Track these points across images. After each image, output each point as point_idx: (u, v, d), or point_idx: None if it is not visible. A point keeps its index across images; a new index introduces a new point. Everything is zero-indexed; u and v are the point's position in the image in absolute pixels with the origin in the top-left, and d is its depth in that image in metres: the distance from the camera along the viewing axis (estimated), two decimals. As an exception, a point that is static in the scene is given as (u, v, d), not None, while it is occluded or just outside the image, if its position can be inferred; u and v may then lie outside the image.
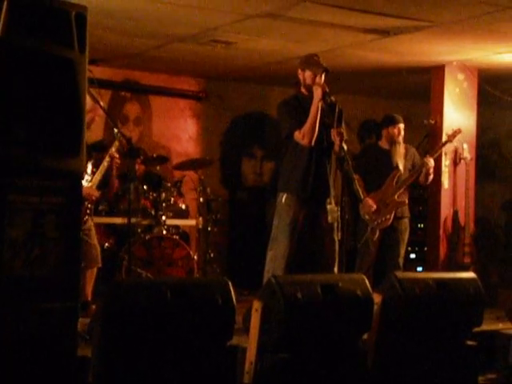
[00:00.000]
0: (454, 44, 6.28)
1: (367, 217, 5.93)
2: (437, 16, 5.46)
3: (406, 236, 6.12)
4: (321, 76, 4.83)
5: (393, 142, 6.08)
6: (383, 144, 6.16)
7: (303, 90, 4.99)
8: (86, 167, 5.14)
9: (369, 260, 5.98)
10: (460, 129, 6.46)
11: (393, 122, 6.09)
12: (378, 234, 5.98)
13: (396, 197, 6.00)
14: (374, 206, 5.90)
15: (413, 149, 6.28)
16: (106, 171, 5.19)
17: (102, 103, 5.12)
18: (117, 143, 5.12)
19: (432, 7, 5.26)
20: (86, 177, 5.13)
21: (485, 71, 7.01)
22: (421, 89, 7.50)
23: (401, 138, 6.09)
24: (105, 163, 5.16)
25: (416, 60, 6.84)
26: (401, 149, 6.10)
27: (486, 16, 5.37)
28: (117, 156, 5.17)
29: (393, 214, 5.98)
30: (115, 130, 5.13)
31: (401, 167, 6.08)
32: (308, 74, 4.90)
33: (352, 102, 8.17)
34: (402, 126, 6.08)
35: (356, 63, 7.03)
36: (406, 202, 6.09)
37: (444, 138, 6.60)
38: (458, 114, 7.00)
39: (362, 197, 5.82)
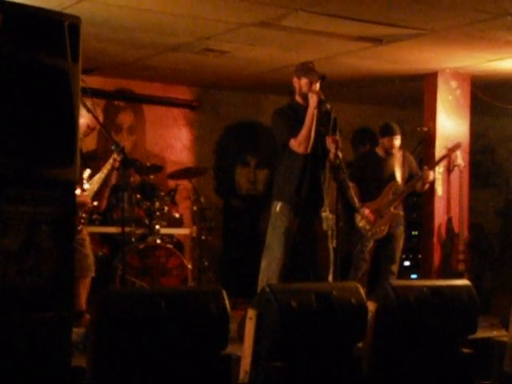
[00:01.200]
0: (447, 52, 6.30)
1: (361, 225, 5.93)
2: (429, 24, 5.49)
3: (401, 244, 6.12)
4: (316, 83, 4.83)
5: (389, 153, 6.09)
6: (380, 151, 6.16)
7: (298, 98, 4.99)
8: (83, 175, 5.11)
9: (363, 268, 5.98)
10: (460, 143, 6.51)
11: (390, 134, 6.06)
12: (372, 243, 5.99)
13: (392, 208, 6.00)
14: (372, 217, 5.89)
15: (410, 156, 6.29)
16: (103, 182, 5.15)
17: (96, 113, 5.10)
18: (115, 155, 5.05)
19: (425, 15, 5.28)
20: (86, 185, 5.10)
21: (478, 78, 7.04)
22: (414, 96, 7.53)
23: (395, 150, 6.10)
24: (102, 175, 5.13)
25: (409, 68, 6.87)
26: (396, 159, 6.11)
27: (478, 24, 5.40)
28: (116, 166, 5.10)
29: (388, 225, 5.98)
30: (115, 141, 5.07)
31: (398, 178, 6.08)
32: (304, 81, 4.89)
33: (345, 109, 8.18)
34: (398, 137, 6.08)
35: (349, 71, 7.05)
36: (402, 213, 6.10)
37: (442, 151, 6.61)
38: (451, 121, 7.02)
39: (359, 206, 5.83)
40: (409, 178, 6.15)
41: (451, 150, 6.45)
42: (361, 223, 5.93)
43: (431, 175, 6.07)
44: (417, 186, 6.13)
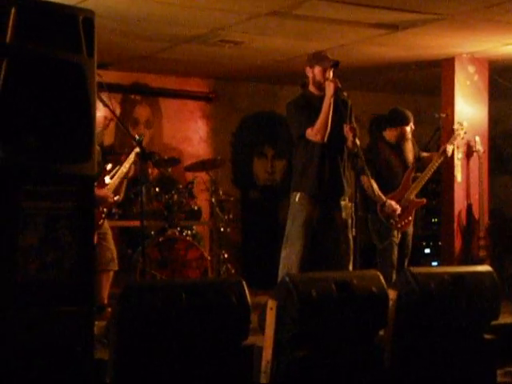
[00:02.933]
0: (464, 36, 6.24)
1: (391, 220, 5.72)
2: (445, 9, 5.44)
3: (412, 230, 6.04)
4: (331, 69, 4.81)
5: (403, 139, 5.96)
6: (391, 138, 6.01)
7: (312, 87, 4.98)
8: (106, 168, 5.15)
9: (394, 259, 5.83)
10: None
11: (407, 122, 5.92)
12: (399, 235, 5.86)
13: (414, 197, 5.90)
14: (399, 209, 5.74)
15: (413, 139, 6.17)
16: (123, 176, 5.18)
17: (112, 107, 5.12)
18: (137, 149, 5.07)
19: (440, 0, 5.23)
20: (107, 179, 5.13)
21: (495, 63, 6.97)
22: (431, 82, 7.47)
23: (409, 136, 6.00)
24: (124, 169, 5.15)
25: (425, 53, 6.81)
26: (409, 145, 6.02)
27: (495, 7, 5.34)
28: (136, 160, 5.12)
29: (413, 215, 5.87)
30: (136, 137, 5.08)
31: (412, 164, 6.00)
32: (318, 69, 4.89)
33: (362, 97, 8.15)
34: (412, 122, 6.00)
35: (365, 59, 7.01)
36: (425, 201, 5.99)
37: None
38: (469, 107, 6.96)
39: (380, 201, 5.70)
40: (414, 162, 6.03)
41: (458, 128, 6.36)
42: (387, 217, 5.75)
43: (451, 149, 5.98)
44: (437, 165, 6.00)
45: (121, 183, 5.25)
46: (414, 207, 5.87)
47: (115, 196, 5.20)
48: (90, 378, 3.08)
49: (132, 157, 5.12)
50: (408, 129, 5.92)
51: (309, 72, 4.95)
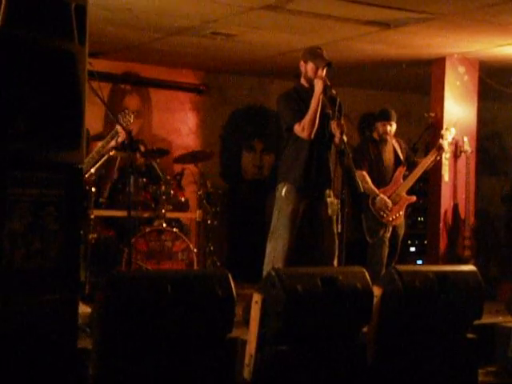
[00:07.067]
0: (455, 36, 6.26)
1: (382, 213, 5.80)
2: (438, 8, 5.45)
3: (403, 231, 6.07)
4: (323, 69, 4.82)
5: (389, 136, 6.01)
6: (379, 137, 6.02)
7: (303, 81, 4.99)
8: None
9: (384, 256, 5.86)
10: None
11: (385, 119, 5.98)
12: (390, 230, 5.89)
13: (405, 193, 5.93)
14: (390, 204, 5.79)
15: (403, 142, 6.21)
16: (102, 152, 5.09)
17: (101, 95, 5.08)
18: (119, 129, 4.99)
19: (433, -1, 5.25)
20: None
21: (486, 64, 6.99)
22: (421, 81, 7.49)
23: (388, 137, 6.00)
24: (104, 143, 5.06)
25: (417, 52, 6.83)
26: (392, 144, 6.04)
27: (487, 8, 5.36)
28: (121, 135, 5.03)
29: (404, 211, 5.91)
30: (121, 124, 5.04)
31: (401, 162, 6.02)
32: (310, 66, 4.89)
33: (352, 94, 8.15)
34: (392, 123, 5.98)
35: (356, 56, 7.01)
36: (415, 198, 6.02)
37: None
38: (458, 107, 6.99)
39: (377, 192, 5.77)
40: (405, 162, 6.06)
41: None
42: (379, 211, 5.79)
43: (446, 145, 6.02)
44: (431, 161, 6.02)
45: (99, 159, 5.15)
46: (405, 203, 5.91)
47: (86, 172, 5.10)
48: (73, 367, 3.07)
49: (113, 131, 5.02)
50: (387, 127, 5.95)
51: (302, 66, 4.96)
